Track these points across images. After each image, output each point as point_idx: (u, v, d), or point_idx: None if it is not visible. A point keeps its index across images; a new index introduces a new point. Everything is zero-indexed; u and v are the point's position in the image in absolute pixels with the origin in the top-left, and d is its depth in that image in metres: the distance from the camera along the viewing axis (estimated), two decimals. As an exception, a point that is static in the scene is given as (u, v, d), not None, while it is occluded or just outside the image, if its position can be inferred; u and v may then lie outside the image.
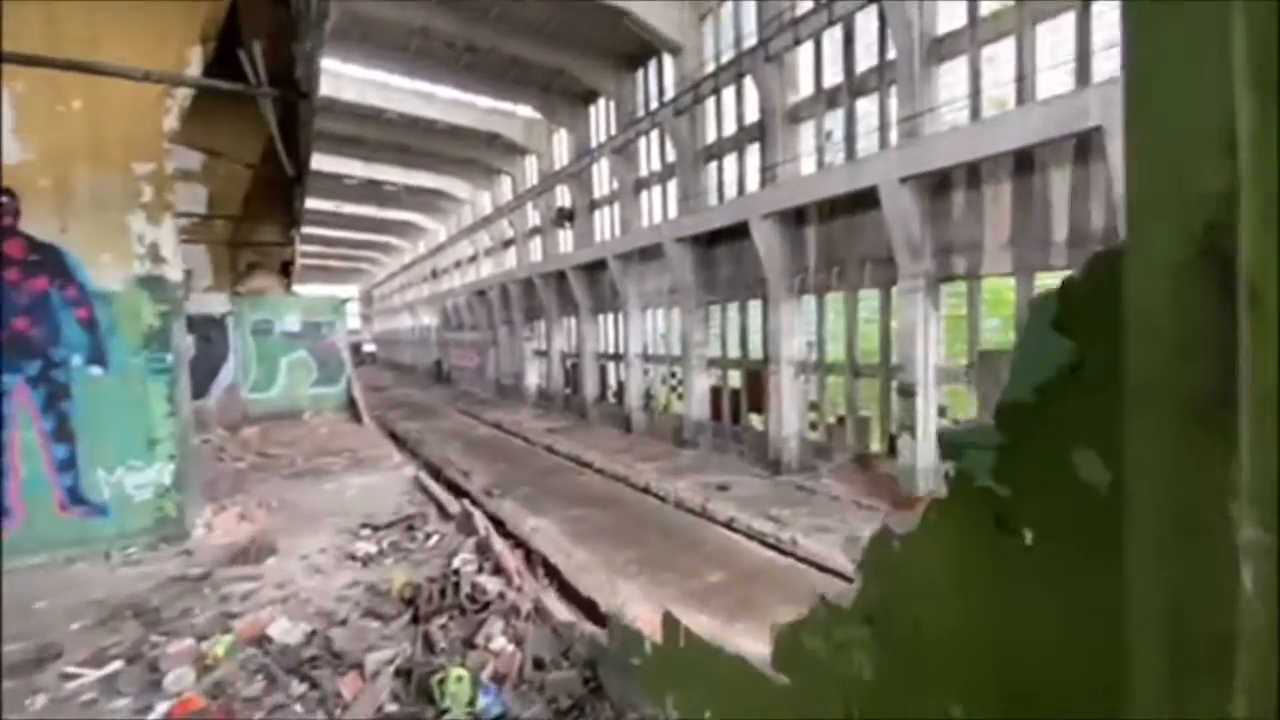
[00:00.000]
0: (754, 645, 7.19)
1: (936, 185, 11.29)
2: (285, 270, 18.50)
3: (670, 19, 16.97)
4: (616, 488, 14.52)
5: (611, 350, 23.12)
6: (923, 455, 11.62)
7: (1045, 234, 10.07)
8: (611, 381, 23.32)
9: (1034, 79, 10.24)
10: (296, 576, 6.15)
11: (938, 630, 1.74)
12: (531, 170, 29.25)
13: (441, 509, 8.88)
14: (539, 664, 4.39)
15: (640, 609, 6.36)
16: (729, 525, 11.60)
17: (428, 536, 7.40)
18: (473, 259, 39.30)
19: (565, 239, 26.92)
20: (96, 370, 6.60)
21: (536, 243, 29.97)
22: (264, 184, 13.24)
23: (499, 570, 6.11)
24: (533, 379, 30.07)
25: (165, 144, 7.03)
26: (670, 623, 3.32)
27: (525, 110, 26.11)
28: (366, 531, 7.65)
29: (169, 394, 7.06)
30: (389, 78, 23.79)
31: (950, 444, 1.64)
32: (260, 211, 14.93)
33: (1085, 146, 9.35)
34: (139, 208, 6.85)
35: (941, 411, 11.79)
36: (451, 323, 42.13)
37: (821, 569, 9.46)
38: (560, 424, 23.58)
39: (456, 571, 5.78)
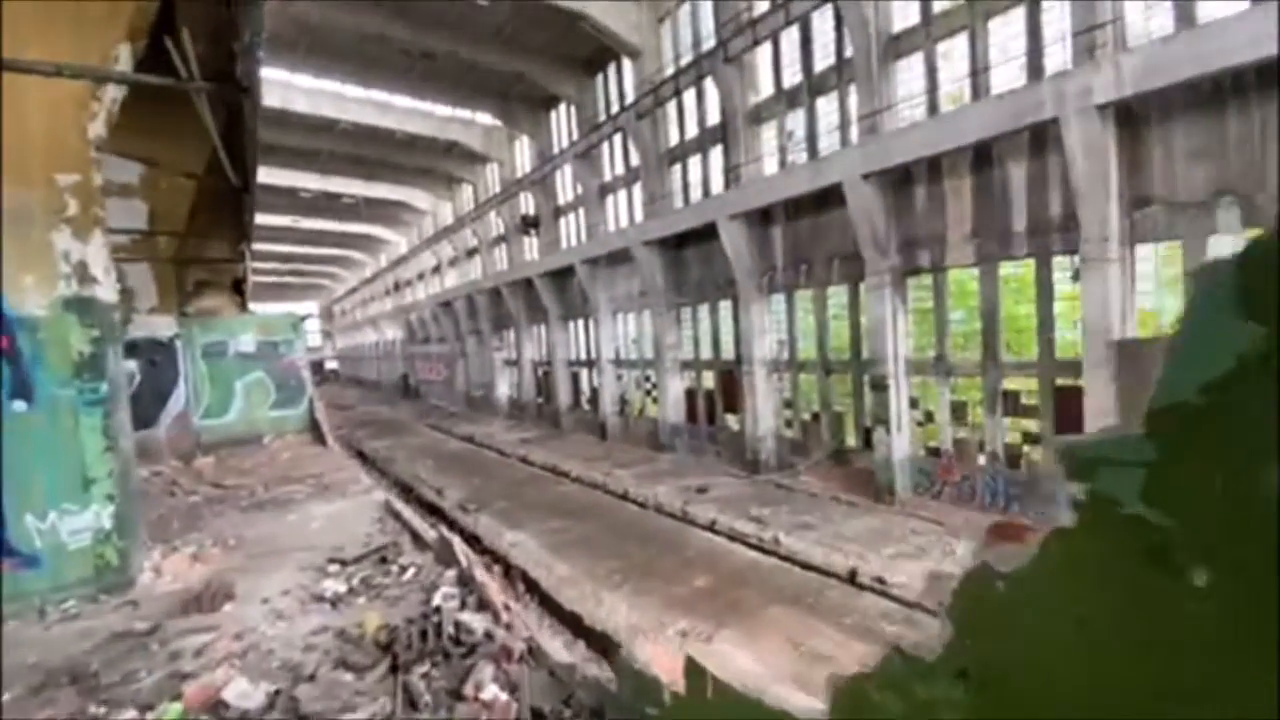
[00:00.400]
0: (744, 657, 7.12)
1: (899, 180, 11.41)
2: (238, 288, 17.74)
3: (628, 22, 16.89)
4: (595, 496, 14.30)
5: (583, 357, 22.88)
6: (898, 447, 11.72)
7: (1006, 224, 10.24)
8: (584, 388, 23.07)
9: (988, 74, 10.43)
10: (257, 623, 5.53)
11: (1061, 694, 1.41)
12: (493, 178, 28.86)
13: (416, 536, 8.35)
14: (538, 716, 3.98)
15: (655, 649, 6.15)
16: (710, 528, 11.49)
17: (403, 569, 6.80)
18: (436, 270, 38.59)
19: (531, 246, 26.59)
20: (20, 405, 6.01)
21: (501, 251, 29.55)
22: (210, 196, 12.47)
23: (484, 605, 5.67)
24: (504, 389, 29.61)
25: (92, 153, 6.44)
26: (694, 669, 2.83)
27: (484, 118, 25.76)
28: (335, 567, 7.03)
29: (105, 427, 6.39)
30: (342, 88, 23.20)
31: (1079, 460, 1.29)
32: (207, 226, 14.08)
33: (1041, 139, 9.53)
34: (63, 223, 6.27)
35: (913, 403, 11.90)
36: (417, 336, 41.27)
37: (806, 567, 9.41)
38: (534, 434, 23.22)
39: (437, 609, 5.18)
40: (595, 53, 18.99)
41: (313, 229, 39.18)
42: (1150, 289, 8.96)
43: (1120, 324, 8.61)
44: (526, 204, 26.10)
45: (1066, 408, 9.88)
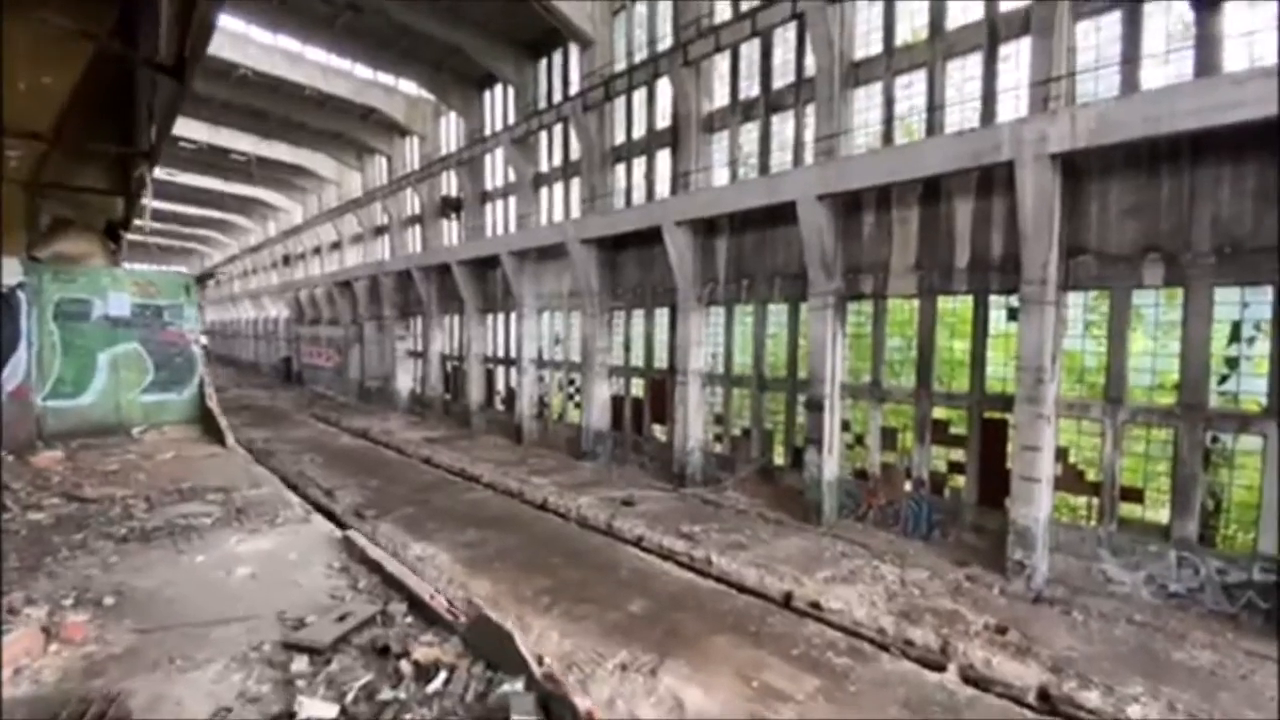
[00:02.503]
0: (694, 693, 6.56)
1: (848, 206, 11.51)
2: (113, 233, 14.17)
3: (581, 9, 16.13)
4: (512, 505, 13.28)
5: (501, 353, 21.61)
6: (828, 469, 11.76)
7: (949, 259, 10.56)
8: (500, 387, 21.78)
9: (943, 112, 10.74)
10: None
11: None
12: (412, 153, 26.82)
13: (414, 601, 5.71)
14: None
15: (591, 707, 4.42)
16: (639, 544, 10.92)
17: (422, 671, 4.23)
18: (336, 246, 35.39)
19: (450, 230, 24.91)
20: None
21: (415, 233, 27.51)
22: (97, 91, 8.56)
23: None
24: (405, 382, 27.48)
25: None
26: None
27: (409, 86, 23.85)
28: (300, 661, 4.45)
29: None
30: (247, 29, 20.49)
31: None
32: (83, 138, 10.03)
33: (988, 179, 9.91)
34: None
35: (845, 425, 12.01)
36: (306, 316, 37.60)
37: (742, 590, 9.07)
38: (440, 433, 21.59)
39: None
40: (542, 35, 18.03)
41: (191, 186, 34.63)
42: (1077, 333, 9.48)
43: (1050, 363, 9.01)
44: (449, 185, 24.42)
45: (992, 440, 10.30)
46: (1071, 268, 9.08)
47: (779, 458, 13.27)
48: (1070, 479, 9.46)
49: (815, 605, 8.64)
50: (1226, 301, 7.98)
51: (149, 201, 13.26)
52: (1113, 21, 8.78)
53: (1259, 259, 7.64)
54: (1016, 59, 9.76)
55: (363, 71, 23.12)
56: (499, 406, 21.77)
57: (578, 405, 17.78)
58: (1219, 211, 7.93)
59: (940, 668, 7.26)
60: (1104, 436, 9.02)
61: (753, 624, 7.86)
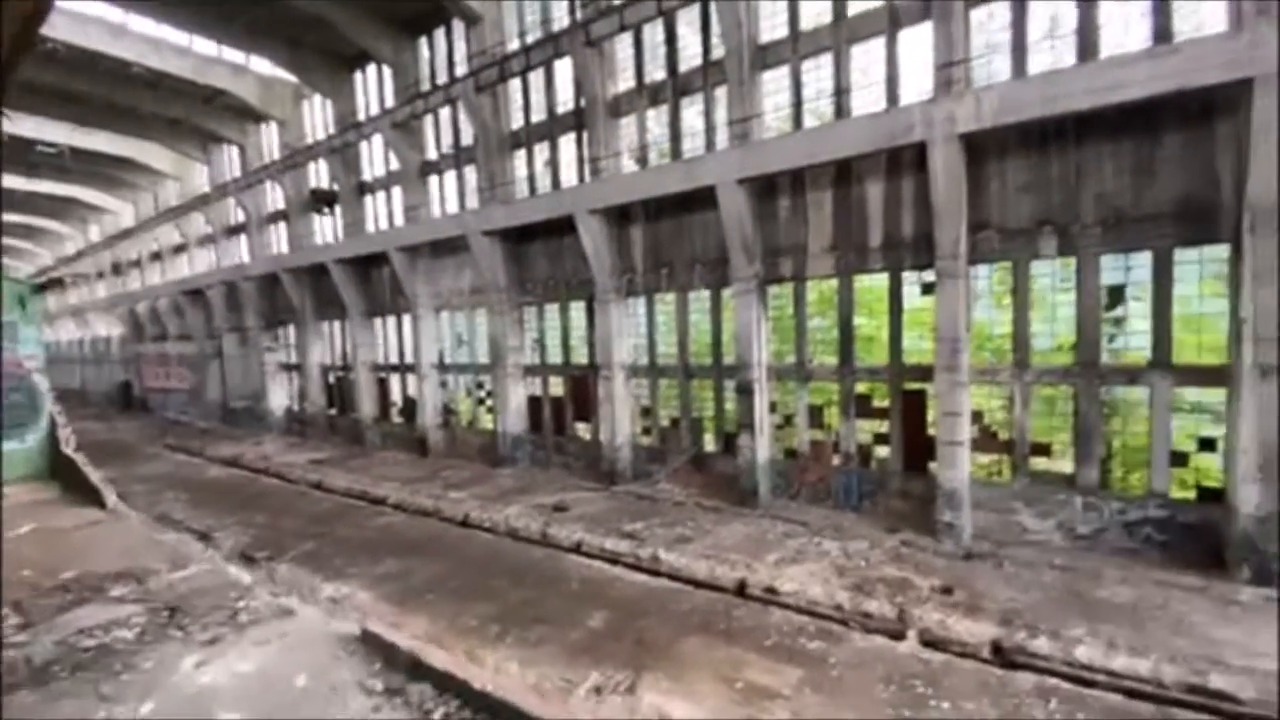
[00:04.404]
0: (681, 706, 6.12)
1: (764, 190, 11.54)
2: None
3: (467, -18, 14.95)
4: (430, 526, 12.09)
5: (395, 360, 19.81)
6: (761, 450, 11.78)
7: (863, 239, 10.88)
8: (396, 397, 19.98)
9: (849, 95, 11.02)
10: None
11: None
12: (271, 141, 23.86)
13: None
14: None
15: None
16: (579, 550, 10.31)
17: None
18: (181, 250, 30.90)
19: (322, 227, 22.46)
20: None
21: (280, 231, 24.57)
22: None
23: None
24: (279, 399, 24.56)
25: None
26: None
27: (262, 65, 21.09)
28: None
29: None
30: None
31: None
32: None
33: (897, 161, 10.28)
34: None
35: (773, 407, 12.11)
36: (147, 332, 32.61)
37: (699, 585, 8.77)
38: (327, 453, 19.44)
39: None
40: (423, 11, 16.54)
41: (-22, 182, 28.63)
42: (984, 303, 10.11)
43: (965, 333, 9.51)
44: (318, 176, 21.98)
45: (912, 409, 10.78)
46: (976, 242, 9.63)
47: (710, 445, 13.15)
48: (986, 440, 10.11)
49: (772, 590, 8.53)
50: (1112, 268, 8.79)
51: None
52: (1003, 9, 9.35)
53: (1140, 227, 8.46)
54: (917, 43, 10.15)
55: (205, 46, 20.10)
56: (397, 418, 19.99)
57: (490, 410, 16.67)
58: (1103, 186, 8.70)
59: (900, 635, 7.39)
60: (1013, 398, 9.70)
61: (720, 620, 7.56)
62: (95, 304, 37.78)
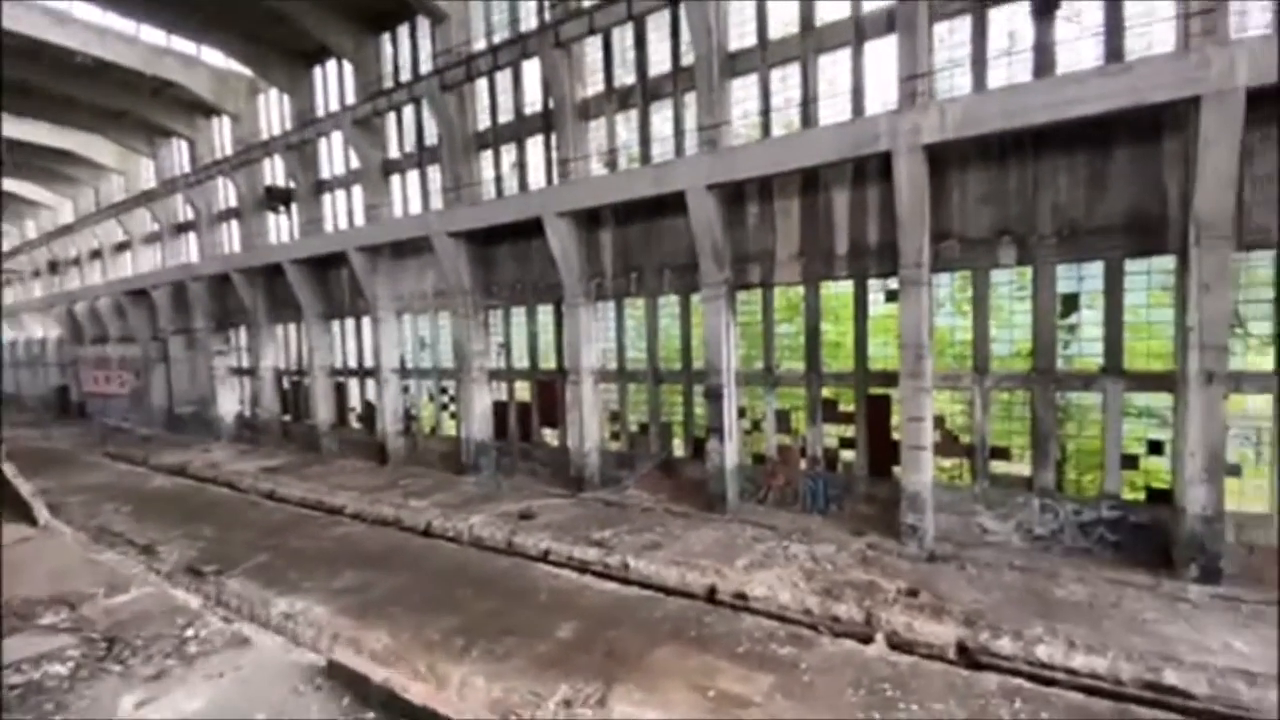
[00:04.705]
0: (651, 714, 6.01)
1: (733, 197, 11.59)
2: None
3: (433, -21, 14.66)
4: (390, 536, 11.69)
5: (354, 364, 19.19)
6: (730, 455, 11.77)
7: (830, 247, 11.02)
8: (355, 402, 19.34)
9: (816, 105, 11.16)
10: None
11: None
12: (223, 136, 22.94)
13: None
14: None
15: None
16: (547, 559, 10.10)
17: None
18: (125, 248, 29.42)
19: (278, 226, 21.67)
20: None
21: (231, 229, 23.62)
22: None
23: None
24: (229, 405, 23.54)
25: None
26: None
27: (215, 56, 20.28)
28: None
29: None
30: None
31: None
32: None
33: (862, 171, 10.46)
34: None
35: (741, 412, 12.13)
36: (87, 334, 30.92)
37: (670, 592, 8.68)
38: (280, 461, 18.70)
39: None
40: (387, 7, 16.14)
41: (-103, 172, 26.73)
42: (946, 310, 10.33)
43: (928, 339, 9.70)
44: (273, 173, 21.22)
45: (877, 414, 10.94)
46: (939, 251, 9.84)
47: (679, 450, 13.10)
48: (947, 444, 10.31)
49: (742, 596, 8.51)
50: (1066, 277, 9.09)
51: None
52: (964, 24, 9.61)
53: (1092, 239, 8.78)
54: (881, 55, 10.35)
55: (153, 35, 19.20)
56: (355, 425, 19.36)
57: (454, 416, 16.28)
58: (1058, 198, 9.00)
59: (868, 639, 7.44)
60: (973, 403, 9.93)
61: (691, 628, 7.48)
62: (31, 304, 35.66)
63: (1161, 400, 8.68)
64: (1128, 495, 9.00)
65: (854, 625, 7.70)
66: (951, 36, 9.80)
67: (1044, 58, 9.04)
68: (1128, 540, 8.85)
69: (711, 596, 8.69)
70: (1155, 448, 8.83)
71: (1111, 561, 8.74)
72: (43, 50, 17.88)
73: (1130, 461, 8.97)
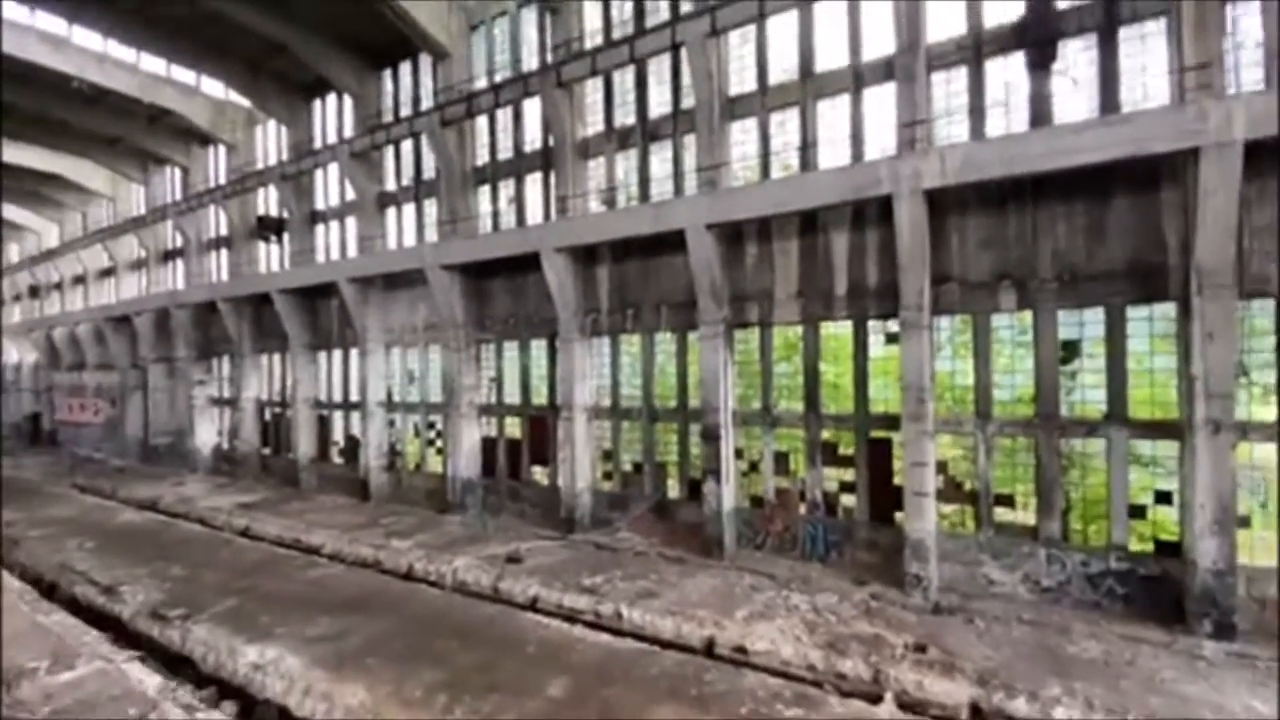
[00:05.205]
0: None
1: (731, 237, 11.56)
2: None
3: (437, 18, 14.88)
4: (371, 579, 11.12)
5: (339, 397, 18.73)
6: (727, 498, 11.44)
7: (829, 288, 10.96)
8: (337, 436, 18.80)
9: (815, 149, 11.28)
10: None
11: None
12: (218, 165, 22.88)
13: None
14: None
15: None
16: (535, 606, 9.63)
17: None
18: (108, 273, 28.96)
19: (268, 255, 21.43)
20: None
21: (220, 257, 23.33)
22: None
23: None
24: (207, 436, 22.83)
25: None
26: None
27: (215, 88, 20.35)
28: None
29: None
30: (-23, -6, 16.02)
31: None
32: None
33: (861, 214, 10.49)
34: None
35: (739, 453, 11.85)
36: (64, 360, 30.13)
37: (665, 645, 8.23)
38: (258, 496, 18.01)
39: None
40: (389, 43, 16.34)
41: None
42: (946, 354, 10.24)
43: (930, 382, 9.56)
44: (267, 203, 21.09)
45: (878, 458, 10.71)
46: (939, 294, 9.80)
47: (673, 491, 12.73)
48: (950, 490, 10.08)
49: (742, 650, 8.10)
50: (1068, 322, 9.05)
51: None
52: (960, 75, 9.81)
53: (1093, 285, 8.78)
54: (879, 102, 10.52)
55: (152, 63, 19.25)
56: (337, 459, 18.78)
57: (440, 451, 15.83)
58: (1058, 244, 9.03)
59: (877, 698, 7.05)
60: (976, 448, 9.75)
61: (691, 685, 7.04)
62: (8, 329, 34.80)
63: (1167, 449, 8.56)
64: (1135, 546, 8.78)
65: (861, 683, 7.32)
66: (949, 86, 9.98)
67: (1040, 108, 9.21)
68: (1138, 593, 8.58)
69: (710, 650, 8.26)
70: (1163, 497, 8.65)
71: (1122, 615, 8.46)
72: (38, 75, 17.83)
73: (1138, 511, 8.78)
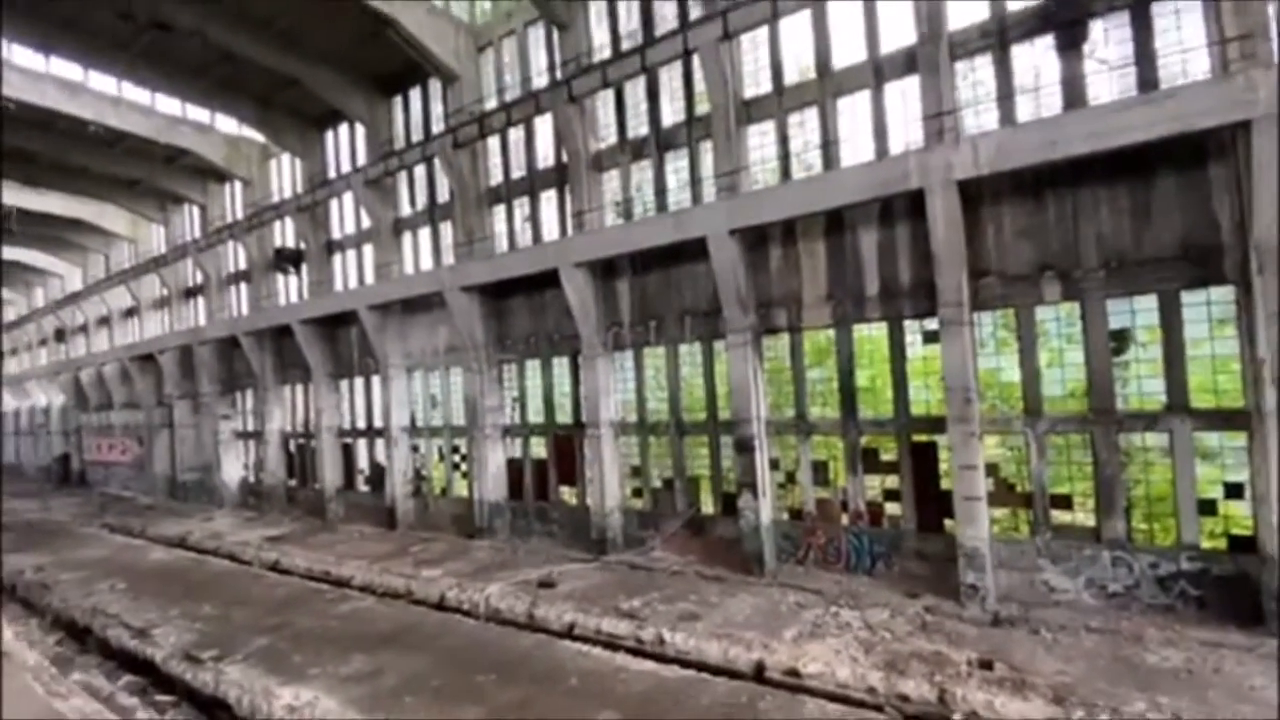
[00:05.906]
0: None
1: (754, 241, 11.29)
2: None
3: (445, 44, 14.92)
4: (403, 612, 10.86)
5: (361, 425, 18.65)
6: (765, 511, 11.05)
7: (859, 288, 10.62)
8: (362, 464, 18.70)
9: (838, 146, 11.01)
10: None
11: None
12: (234, 201, 23.16)
13: None
14: None
15: None
16: (572, 634, 9.29)
17: None
18: (132, 313, 29.39)
19: (287, 287, 21.56)
20: None
21: (240, 292, 23.55)
22: None
23: None
24: (234, 470, 22.88)
25: None
26: None
27: (229, 125, 20.64)
28: None
29: None
30: (8, 49, 16.35)
31: None
32: None
33: (889, 210, 10.16)
34: None
35: (774, 464, 11.48)
36: (91, 401, 30.56)
37: (717, 672, 7.85)
38: (286, 529, 17.91)
39: None
40: (398, 70, 16.44)
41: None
42: (989, 350, 9.82)
43: (974, 382, 9.16)
44: (284, 235, 21.25)
45: (923, 463, 10.28)
46: (978, 289, 9.42)
47: (707, 506, 12.37)
48: (1002, 492, 9.62)
49: (794, 673, 7.69)
50: (1118, 311, 8.62)
51: None
52: (985, 62, 9.50)
53: (1142, 271, 8.36)
54: (902, 95, 10.24)
55: (168, 105, 19.58)
56: (362, 487, 18.66)
57: (465, 475, 15.62)
58: (1101, 229, 8.63)
59: (945, 721, 6.62)
60: (1028, 448, 9.29)
61: (744, 715, 6.67)
62: (36, 372, 35.47)
63: (1235, 439, 8.06)
64: (1207, 544, 8.26)
65: (926, 705, 6.88)
66: (973, 74, 9.68)
67: (1072, 91, 8.87)
68: (1213, 594, 8.05)
69: (760, 674, 7.86)
70: (1234, 490, 8.14)
71: (1198, 619, 7.93)
72: (57, 121, 18.17)
73: (1207, 507, 8.27)
